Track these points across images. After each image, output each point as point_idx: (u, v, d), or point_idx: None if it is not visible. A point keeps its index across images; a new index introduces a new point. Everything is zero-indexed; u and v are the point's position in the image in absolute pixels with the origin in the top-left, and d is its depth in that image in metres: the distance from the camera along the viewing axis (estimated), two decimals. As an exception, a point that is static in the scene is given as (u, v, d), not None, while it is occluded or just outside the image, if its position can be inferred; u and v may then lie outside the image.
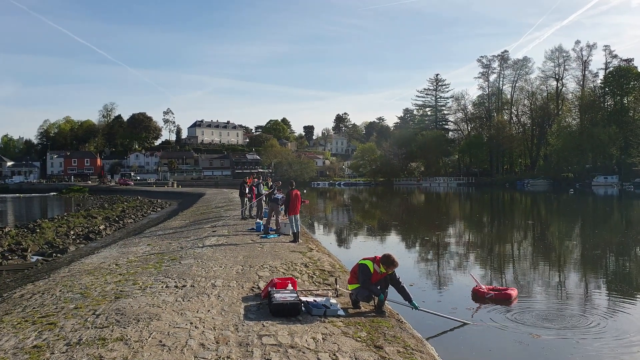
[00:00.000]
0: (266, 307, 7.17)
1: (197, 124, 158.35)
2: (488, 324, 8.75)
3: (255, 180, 21.13)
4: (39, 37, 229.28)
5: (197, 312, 6.91)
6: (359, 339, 6.04)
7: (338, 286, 8.47)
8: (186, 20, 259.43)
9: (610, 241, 21.24)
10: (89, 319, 6.54)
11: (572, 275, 14.34)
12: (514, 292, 10.66)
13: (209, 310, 6.99)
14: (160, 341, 5.66)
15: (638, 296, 11.52)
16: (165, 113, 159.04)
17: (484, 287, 10.84)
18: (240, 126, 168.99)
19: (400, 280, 7.74)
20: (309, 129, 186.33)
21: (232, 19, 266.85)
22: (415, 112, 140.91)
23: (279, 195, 16.68)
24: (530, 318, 9.12)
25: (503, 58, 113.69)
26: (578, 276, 14.21)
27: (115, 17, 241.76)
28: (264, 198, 20.27)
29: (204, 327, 6.23)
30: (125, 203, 49.04)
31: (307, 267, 10.60)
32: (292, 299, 6.98)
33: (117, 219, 31.90)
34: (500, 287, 11.14)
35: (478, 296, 10.59)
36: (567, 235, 24.92)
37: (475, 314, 9.53)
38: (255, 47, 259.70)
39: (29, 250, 18.25)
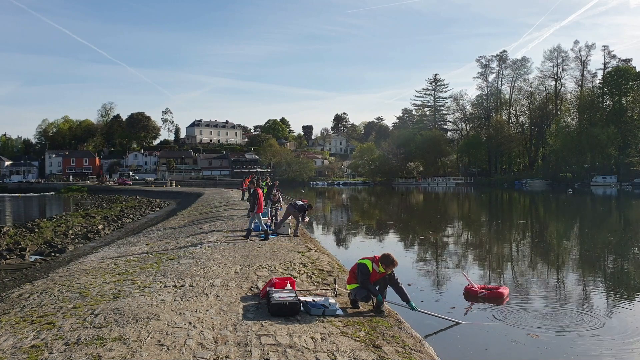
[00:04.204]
0: (265, 306, 7.17)
1: (195, 124, 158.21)
2: (486, 323, 8.77)
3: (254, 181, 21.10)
4: (38, 36, 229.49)
5: (196, 311, 6.91)
6: (357, 339, 6.04)
7: (337, 286, 8.47)
8: (186, 20, 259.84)
9: (607, 241, 21.27)
10: (87, 319, 6.54)
11: (569, 275, 14.35)
12: (505, 291, 10.72)
13: (207, 310, 6.99)
14: (159, 341, 5.66)
15: (635, 295, 11.54)
16: (164, 113, 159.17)
17: (476, 286, 10.89)
18: (239, 126, 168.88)
19: (399, 280, 7.75)
20: (307, 129, 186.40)
21: (231, 19, 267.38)
22: (414, 112, 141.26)
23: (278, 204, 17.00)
24: (527, 317, 9.14)
25: (502, 58, 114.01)
26: (575, 276, 14.23)
27: (114, 16, 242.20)
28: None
29: (202, 326, 6.23)
30: (124, 203, 49.01)
31: (306, 266, 10.60)
32: (291, 298, 6.99)
33: (115, 218, 31.88)
34: (492, 286, 11.19)
35: (470, 295, 10.64)
36: (564, 235, 24.94)
37: (471, 313, 9.55)
38: (254, 46, 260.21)
39: (28, 250, 18.22)
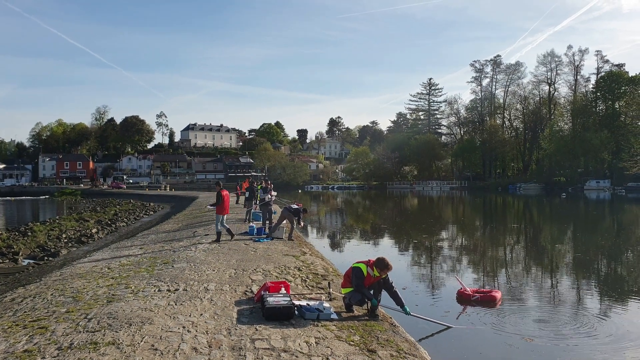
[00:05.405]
0: (259, 310, 7.16)
1: (190, 127, 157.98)
2: (480, 327, 8.79)
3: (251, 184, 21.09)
4: (33, 39, 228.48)
5: (190, 316, 6.89)
6: (352, 343, 6.04)
7: (331, 290, 8.48)
8: (181, 23, 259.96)
9: (600, 245, 21.38)
10: (80, 323, 6.50)
11: (562, 279, 14.41)
12: (498, 294, 10.77)
13: (201, 314, 6.98)
14: (153, 345, 5.64)
15: (628, 299, 11.60)
16: (159, 116, 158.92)
17: (469, 289, 10.92)
18: (234, 129, 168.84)
19: (393, 284, 7.75)
20: (302, 133, 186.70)
21: (227, 22, 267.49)
22: (408, 116, 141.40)
23: (270, 200, 16.92)
24: (520, 321, 9.17)
25: (496, 63, 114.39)
26: (568, 279, 14.29)
27: (109, 19, 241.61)
28: (256, 201, 20.46)
29: (196, 331, 6.22)
30: (118, 206, 48.79)
31: (301, 270, 10.60)
32: (285, 302, 6.98)
33: (109, 222, 31.74)
34: (485, 290, 11.23)
35: (463, 298, 10.68)
36: (557, 239, 25.04)
37: (465, 317, 9.57)
38: (250, 50, 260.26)
39: (21, 254, 18.12)
